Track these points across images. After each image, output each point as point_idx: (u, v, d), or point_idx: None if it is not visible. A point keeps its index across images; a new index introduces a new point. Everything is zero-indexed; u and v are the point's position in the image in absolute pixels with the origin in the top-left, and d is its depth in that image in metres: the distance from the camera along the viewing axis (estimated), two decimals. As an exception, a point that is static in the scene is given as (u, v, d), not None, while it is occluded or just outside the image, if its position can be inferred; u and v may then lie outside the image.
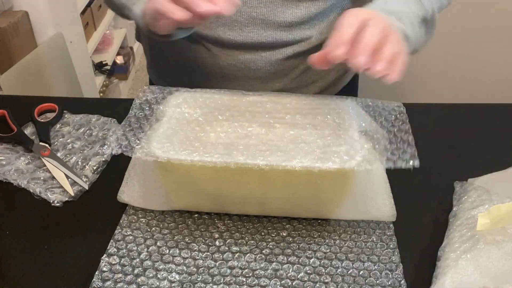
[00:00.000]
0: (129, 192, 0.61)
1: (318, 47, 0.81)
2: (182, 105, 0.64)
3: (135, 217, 0.61)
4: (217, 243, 0.58)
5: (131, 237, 0.59)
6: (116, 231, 0.59)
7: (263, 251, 0.57)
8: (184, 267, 0.55)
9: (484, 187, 0.61)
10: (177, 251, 0.57)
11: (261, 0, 0.72)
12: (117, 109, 0.82)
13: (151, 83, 0.98)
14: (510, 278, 0.49)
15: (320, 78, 0.85)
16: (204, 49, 0.77)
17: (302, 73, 0.82)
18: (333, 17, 0.78)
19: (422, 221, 0.61)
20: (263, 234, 0.60)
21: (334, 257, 0.57)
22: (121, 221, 0.61)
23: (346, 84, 0.92)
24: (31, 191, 0.66)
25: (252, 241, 0.58)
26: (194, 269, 0.55)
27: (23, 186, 0.66)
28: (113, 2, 0.72)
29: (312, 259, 0.56)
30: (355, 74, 0.95)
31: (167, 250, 0.57)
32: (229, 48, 0.76)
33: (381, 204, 0.59)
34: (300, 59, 0.81)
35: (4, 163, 0.70)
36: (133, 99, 0.64)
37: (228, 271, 0.55)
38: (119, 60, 2.60)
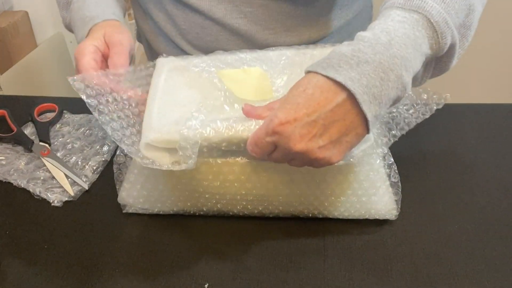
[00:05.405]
0: (130, 193, 0.61)
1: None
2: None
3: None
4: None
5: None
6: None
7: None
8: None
9: None
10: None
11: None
12: (117, 109, 0.82)
13: None
14: None
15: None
16: None
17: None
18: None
19: (422, 221, 0.61)
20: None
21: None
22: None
23: None
24: (31, 191, 0.66)
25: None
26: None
27: (22, 186, 0.66)
28: None
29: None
30: None
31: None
32: None
33: (381, 201, 0.59)
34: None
35: (4, 163, 0.70)
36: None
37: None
38: (119, 60, 2.59)
